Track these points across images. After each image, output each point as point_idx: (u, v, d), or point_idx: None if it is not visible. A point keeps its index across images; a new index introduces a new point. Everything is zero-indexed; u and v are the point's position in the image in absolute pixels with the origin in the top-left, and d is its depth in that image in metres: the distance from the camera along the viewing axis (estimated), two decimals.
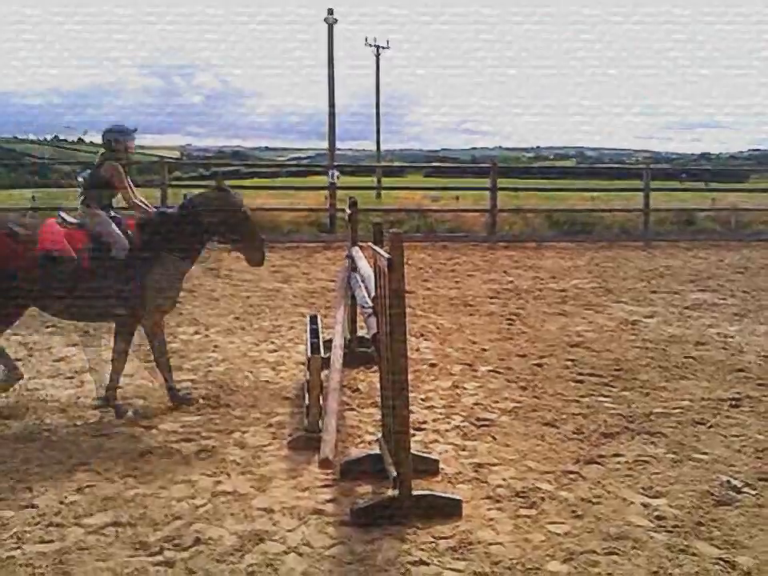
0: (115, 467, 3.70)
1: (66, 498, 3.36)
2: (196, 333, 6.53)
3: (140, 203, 4.72)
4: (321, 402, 4.02)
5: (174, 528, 3.09)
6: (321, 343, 4.59)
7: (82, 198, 4.62)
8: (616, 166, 40.34)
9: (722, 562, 2.85)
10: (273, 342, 6.29)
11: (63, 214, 4.63)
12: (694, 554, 2.91)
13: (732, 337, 6.60)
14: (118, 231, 4.52)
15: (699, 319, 7.33)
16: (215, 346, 6.15)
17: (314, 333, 4.85)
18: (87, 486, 3.48)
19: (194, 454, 3.88)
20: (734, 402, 4.77)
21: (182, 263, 4.66)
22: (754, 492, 3.47)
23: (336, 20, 17.10)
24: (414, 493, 3.18)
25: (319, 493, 3.43)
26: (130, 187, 4.71)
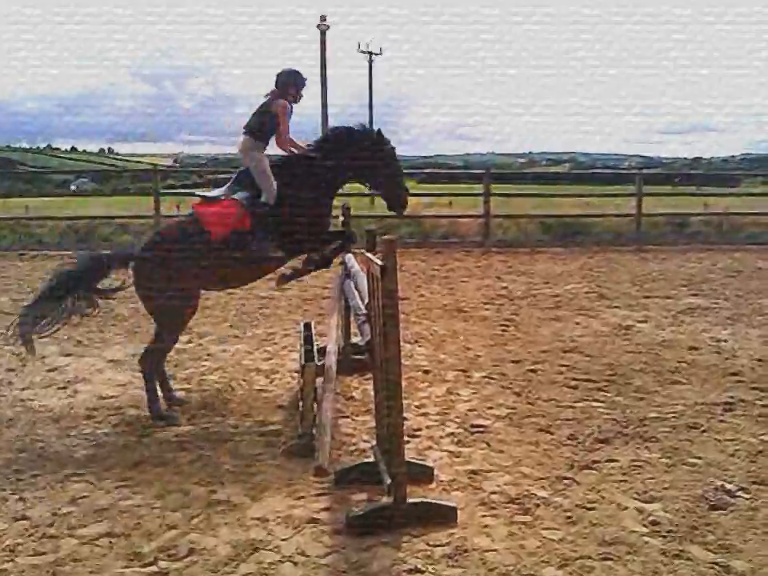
0: (109, 477, 3.68)
1: (59, 508, 3.35)
2: (189, 341, 6.52)
3: (291, 143, 4.91)
4: (315, 409, 4.01)
5: (168, 538, 3.08)
6: (315, 351, 4.59)
7: (247, 125, 4.82)
8: (608, 171, 40.47)
9: (716, 567, 2.86)
10: (266, 350, 6.28)
11: (200, 192, 4.94)
12: (688, 559, 2.91)
13: (725, 341, 6.62)
14: (272, 177, 4.69)
15: (692, 323, 7.35)
16: (208, 355, 6.14)
17: (308, 340, 4.84)
18: (81, 497, 3.47)
19: (188, 463, 3.87)
20: (727, 406, 4.78)
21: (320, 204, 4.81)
22: (748, 496, 3.48)
23: (328, 26, 17.22)
24: (409, 500, 3.17)
25: (314, 501, 3.43)
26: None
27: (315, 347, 4.69)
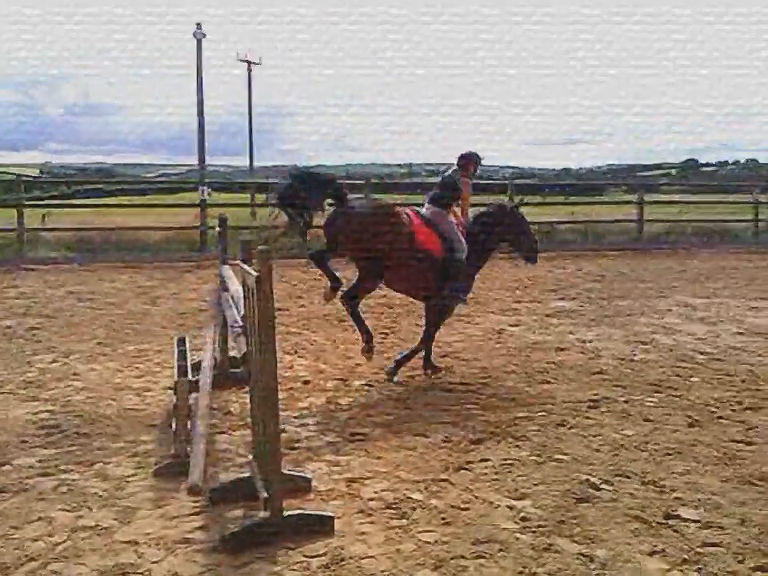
0: None
1: None
2: (54, 361, 6.17)
3: (466, 214, 5.91)
4: (189, 426, 3.90)
5: (28, 570, 2.89)
6: (189, 366, 4.46)
7: (433, 197, 5.79)
8: (483, 181, 41.93)
9: (581, 557, 3.00)
10: (138, 368, 6.04)
11: (420, 209, 5.77)
12: (556, 552, 3.04)
13: (590, 341, 7.00)
14: (461, 236, 5.66)
15: (560, 326, 7.73)
16: (75, 374, 5.82)
17: (182, 355, 4.70)
18: None
19: (51, 490, 3.65)
20: (592, 404, 5.05)
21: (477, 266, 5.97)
22: (610, 488, 3.68)
23: (204, 34, 16.86)
24: (285, 513, 3.15)
25: (187, 521, 3.32)
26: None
27: (190, 362, 4.56)
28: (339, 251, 5.42)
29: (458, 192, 5.79)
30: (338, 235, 5.32)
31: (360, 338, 5.59)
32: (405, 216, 5.44)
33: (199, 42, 16.79)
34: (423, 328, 5.94)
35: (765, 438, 4.39)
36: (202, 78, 16.72)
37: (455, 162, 5.94)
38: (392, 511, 3.38)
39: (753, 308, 8.82)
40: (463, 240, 5.66)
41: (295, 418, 4.75)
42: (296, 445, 4.26)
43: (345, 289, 5.54)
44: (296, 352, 6.55)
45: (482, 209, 6.15)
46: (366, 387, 5.46)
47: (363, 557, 2.98)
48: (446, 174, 5.97)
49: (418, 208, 5.85)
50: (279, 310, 8.50)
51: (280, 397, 5.07)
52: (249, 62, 33.71)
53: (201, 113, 16.67)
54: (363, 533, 3.19)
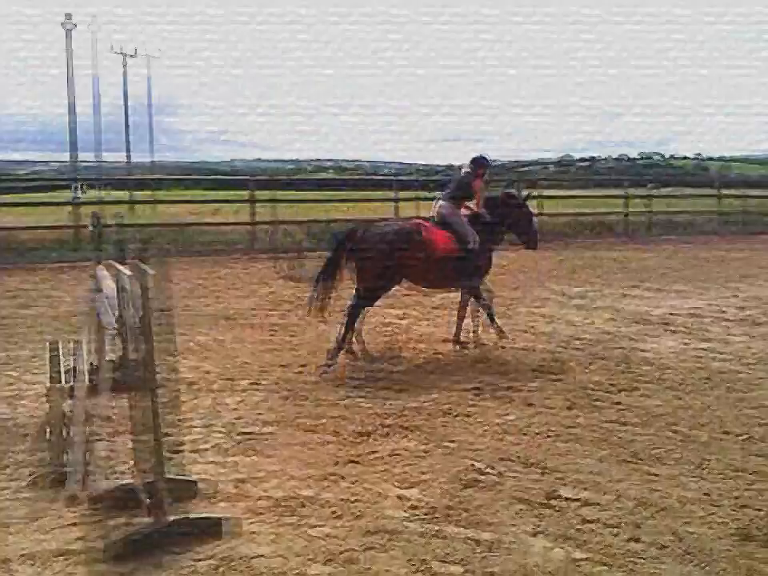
0: None
1: None
2: None
3: (479, 207, 6.67)
4: (65, 434, 3.71)
5: None
6: (62, 371, 4.23)
7: (447, 194, 6.66)
8: (369, 177, 42.20)
9: (469, 541, 3.09)
10: (8, 375, 5.67)
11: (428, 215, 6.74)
12: (444, 537, 3.12)
13: (474, 331, 7.18)
14: (469, 228, 6.47)
15: (446, 317, 7.90)
16: None
17: (56, 361, 4.45)
18: None
19: None
20: (476, 391, 5.20)
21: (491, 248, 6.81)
22: (495, 472, 3.80)
23: (75, 25, 16.10)
24: (170, 518, 3.06)
25: (66, 533, 3.15)
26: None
27: (63, 368, 4.33)
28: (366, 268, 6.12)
29: (471, 190, 6.62)
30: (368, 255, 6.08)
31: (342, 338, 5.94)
32: (422, 228, 6.29)
33: (68, 33, 15.99)
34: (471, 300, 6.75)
35: (638, 418, 4.67)
36: (72, 71, 15.95)
37: (468, 164, 6.78)
38: (282, 509, 3.35)
39: (625, 295, 9.36)
40: (472, 231, 6.45)
41: (180, 420, 4.60)
42: (181, 448, 4.13)
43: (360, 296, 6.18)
44: (180, 353, 6.35)
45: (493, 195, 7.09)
46: (255, 386, 5.37)
47: (253, 556, 2.94)
48: (462, 173, 6.79)
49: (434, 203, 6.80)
50: (161, 310, 8.21)
51: (163, 400, 4.93)
52: (124, 55, 32.51)
53: (73, 107, 15.90)
54: (253, 533, 3.14)
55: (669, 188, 23.80)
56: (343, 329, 5.95)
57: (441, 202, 6.64)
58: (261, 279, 10.80)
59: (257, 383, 5.44)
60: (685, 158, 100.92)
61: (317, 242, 14.90)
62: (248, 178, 14.95)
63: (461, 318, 6.71)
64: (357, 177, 46.24)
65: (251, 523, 3.23)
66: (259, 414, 4.75)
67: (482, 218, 6.62)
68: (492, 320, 6.68)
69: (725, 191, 20.58)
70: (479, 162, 6.78)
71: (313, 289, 6.06)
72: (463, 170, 6.78)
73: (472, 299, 6.70)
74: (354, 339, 6.22)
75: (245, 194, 14.29)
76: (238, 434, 4.36)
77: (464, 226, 6.48)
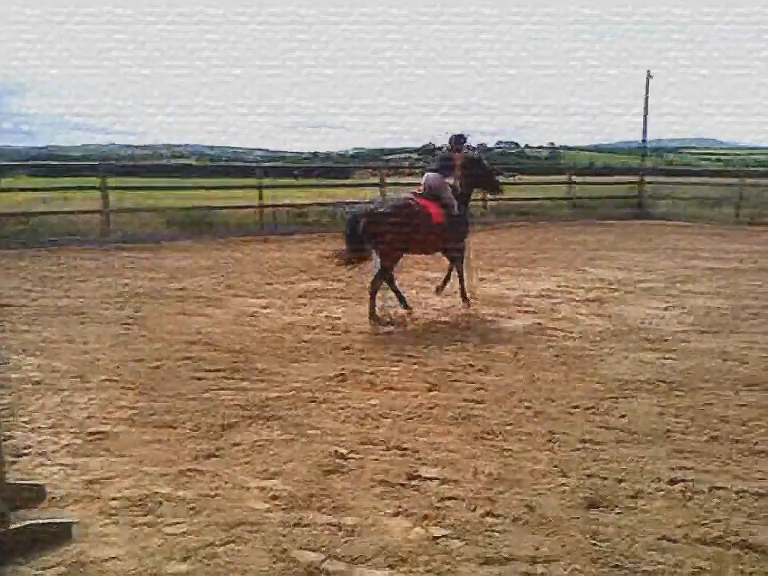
0: None
1: None
2: None
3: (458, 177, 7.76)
4: None
5: None
6: None
7: (433, 167, 7.69)
8: (234, 164, 41.33)
9: (330, 527, 3.11)
10: None
11: (415, 190, 7.67)
12: (306, 525, 3.12)
13: (339, 318, 7.23)
14: (452, 197, 7.53)
15: (310, 306, 7.88)
16: None
17: None
18: None
19: None
20: (340, 378, 5.23)
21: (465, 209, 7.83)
22: (357, 457, 3.84)
23: None
24: (14, 526, 2.86)
25: None
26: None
27: None
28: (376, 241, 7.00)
29: (452, 162, 7.70)
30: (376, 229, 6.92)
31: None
32: (418, 204, 7.23)
33: None
34: (455, 266, 7.83)
35: (492, 396, 4.87)
36: None
37: (447, 142, 7.92)
38: (137, 508, 3.23)
39: (481, 279, 9.70)
40: (454, 199, 7.51)
41: (25, 422, 4.31)
42: (26, 451, 3.87)
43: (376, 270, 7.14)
44: (25, 350, 5.94)
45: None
46: (107, 382, 5.11)
47: (106, 559, 2.82)
48: (443, 151, 8.07)
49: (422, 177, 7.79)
50: (3, 305, 7.66)
51: (5, 401, 4.61)
52: None
53: None
54: (106, 534, 3.01)
55: (524, 176, 24.97)
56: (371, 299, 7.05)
57: (429, 174, 7.63)
58: (115, 271, 10.28)
59: (109, 380, 5.17)
60: (540, 147, 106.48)
61: (178, 229, 14.46)
62: (100, 162, 14.11)
63: (462, 278, 7.85)
64: (219, 164, 45.09)
65: (103, 525, 3.09)
66: (112, 411, 4.53)
67: (457, 190, 7.66)
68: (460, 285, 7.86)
69: (575, 178, 21.74)
70: (458, 140, 7.88)
71: (343, 251, 7.09)
72: (444, 147, 8.05)
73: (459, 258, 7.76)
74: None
75: (97, 180, 13.49)
76: (88, 434, 4.13)
77: (450, 196, 7.52)
